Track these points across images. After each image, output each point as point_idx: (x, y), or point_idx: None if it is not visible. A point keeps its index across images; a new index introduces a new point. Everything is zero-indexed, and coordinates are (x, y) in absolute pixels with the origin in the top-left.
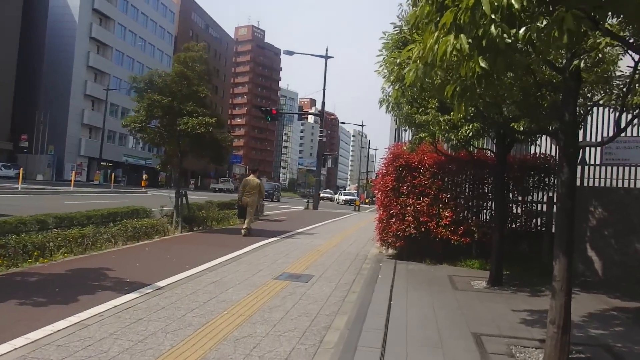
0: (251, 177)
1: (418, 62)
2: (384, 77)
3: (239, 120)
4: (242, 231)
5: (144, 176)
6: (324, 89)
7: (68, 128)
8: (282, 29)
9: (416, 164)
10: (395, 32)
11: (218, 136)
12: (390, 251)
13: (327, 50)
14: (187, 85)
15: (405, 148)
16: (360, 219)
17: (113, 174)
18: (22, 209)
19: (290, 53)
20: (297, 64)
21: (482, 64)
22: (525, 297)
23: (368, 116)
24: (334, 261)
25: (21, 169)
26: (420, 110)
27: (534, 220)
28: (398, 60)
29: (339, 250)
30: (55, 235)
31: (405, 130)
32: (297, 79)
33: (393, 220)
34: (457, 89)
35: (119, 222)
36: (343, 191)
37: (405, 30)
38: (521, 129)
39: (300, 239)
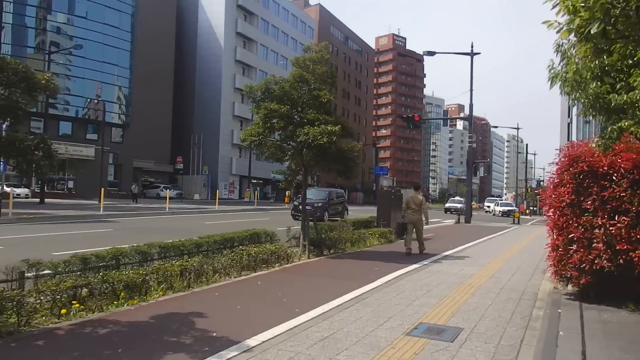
0: (414, 194)
1: None
2: (556, 30)
3: (383, 131)
4: (405, 250)
5: (287, 192)
6: (471, 90)
7: (220, 149)
8: (423, 35)
9: (605, 168)
10: None
11: (344, 146)
12: (570, 287)
13: (472, 47)
14: (307, 91)
15: (593, 145)
16: (521, 235)
17: (257, 191)
18: (162, 230)
19: (431, 54)
20: (441, 70)
21: None
22: None
23: (524, 120)
24: (491, 303)
25: (168, 190)
26: (618, 87)
27: None
28: None
29: (497, 284)
30: (155, 269)
31: (588, 121)
32: (442, 85)
33: (574, 247)
34: None
35: (235, 249)
36: (500, 201)
37: None
38: None
39: (447, 266)
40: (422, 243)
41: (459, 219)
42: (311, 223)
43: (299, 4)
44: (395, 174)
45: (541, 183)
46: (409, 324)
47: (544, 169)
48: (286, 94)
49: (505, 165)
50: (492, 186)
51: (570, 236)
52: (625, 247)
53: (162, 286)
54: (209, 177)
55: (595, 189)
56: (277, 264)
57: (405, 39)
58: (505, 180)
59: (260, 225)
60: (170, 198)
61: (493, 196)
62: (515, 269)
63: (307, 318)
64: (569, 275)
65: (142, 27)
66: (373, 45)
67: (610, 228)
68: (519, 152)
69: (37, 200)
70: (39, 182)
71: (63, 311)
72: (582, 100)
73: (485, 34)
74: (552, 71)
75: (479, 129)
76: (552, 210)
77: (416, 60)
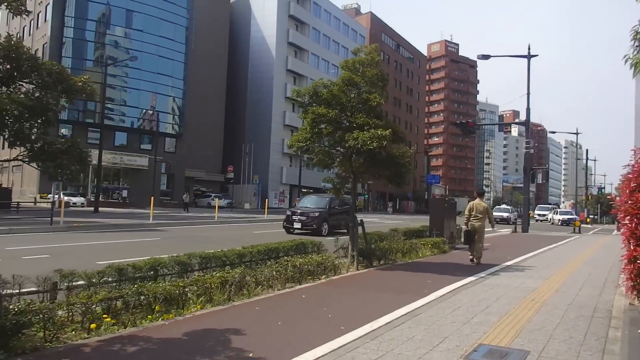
0: (477, 201)
1: None
2: None
3: (435, 139)
4: (470, 256)
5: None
6: (528, 93)
7: (270, 158)
8: (477, 40)
9: None
10: None
11: (395, 151)
12: None
13: (529, 49)
14: (356, 94)
15: None
16: (585, 245)
17: (299, 200)
18: (209, 239)
19: (486, 57)
20: (495, 75)
21: None
22: None
23: (582, 125)
24: (560, 321)
25: (217, 199)
26: None
27: None
28: None
29: (564, 300)
30: (194, 280)
31: None
32: (496, 91)
33: None
34: None
35: (279, 259)
36: (559, 209)
37: None
38: None
39: (507, 279)
40: (480, 251)
41: (515, 228)
42: (360, 232)
43: (350, 13)
44: (448, 182)
45: (602, 190)
46: (467, 346)
47: (604, 175)
48: (335, 98)
49: (563, 172)
50: (549, 194)
51: None
52: None
53: (200, 299)
54: (260, 186)
55: None
56: (323, 276)
57: (457, 45)
58: (562, 188)
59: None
60: (220, 207)
61: (545, 204)
62: (583, 282)
63: (354, 337)
64: None
65: (197, 38)
66: (425, 52)
67: None
68: (578, 159)
69: (92, 209)
70: (94, 191)
71: (92, 326)
72: None
73: (539, 38)
74: (632, 59)
75: (535, 135)
76: (628, 217)
77: (469, 66)
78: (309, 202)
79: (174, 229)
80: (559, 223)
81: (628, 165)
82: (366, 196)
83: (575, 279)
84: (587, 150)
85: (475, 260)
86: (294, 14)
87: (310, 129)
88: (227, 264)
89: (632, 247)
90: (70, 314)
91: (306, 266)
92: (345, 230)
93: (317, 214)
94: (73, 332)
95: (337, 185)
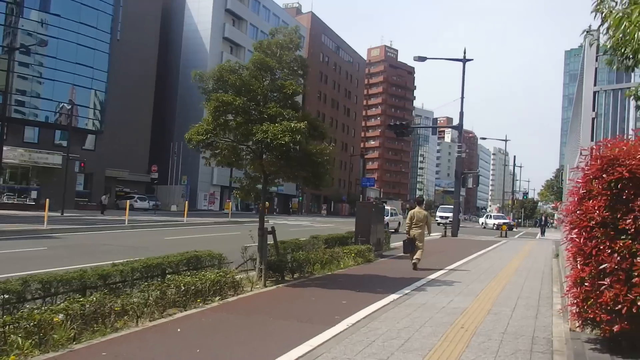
0: (417, 209)
1: None
2: None
3: (372, 142)
4: (413, 262)
5: (266, 204)
6: (462, 97)
7: (200, 158)
8: (418, 51)
9: None
10: None
11: (311, 147)
12: (595, 331)
13: (465, 53)
14: (271, 81)
15: None
16: (513, 251)
17: (229, 202)
18: (108, 248)
19: (422, 59)
20: (432, 84)
21: None
22: None
23: (510, 134)
24: (495, 358)
25: (127, 202)
26: None
27: None
28: None
29: (498, 325)
30: (16, 318)
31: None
32: (432, 99)
33: (606, 282)
34: None
35: (166, 277)
36: (492, 214)
37: None
38: None
39: (434, 295)
40: (419, 259)
41: (445, 232)
42: (271, 242)
43: (291, 12)
44: (383, 185)
45: (526, 196)
46: None
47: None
48: (245, 85)
49: (491, 177)
50: (478, 198)
51: (601, 267)
52: None
53: (28, 342)
54: (188, 188)
55: (638, 202)
56: (217, 297)
57: (397, 50)
58: (490, 193)
59: (229, 241)
60: (144, 209)
61: (447, 204)
62: (516, 299)
63: None
64: (596, 319)
65: (124, 29)
66: (365, 56)
67: None
68: (505, 165)
69: None
70: None
71: None
72: None
73: (480, 51)
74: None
75: (466, 141)
76: (576, 230)
77: (407, 72)
78: None
79: (72, 236)
80: (494, 227)
81: (577, 168)
82: (300, 198)
83: (508, 295)
84: (514, 156)
85: (415, 266)
86: (230, 9)
87: (212, 119)
88: (88, 287)
89: (579, 267)
90: None
91: (193, 287)
92: None
93: None
94: None
95: (245, 186)
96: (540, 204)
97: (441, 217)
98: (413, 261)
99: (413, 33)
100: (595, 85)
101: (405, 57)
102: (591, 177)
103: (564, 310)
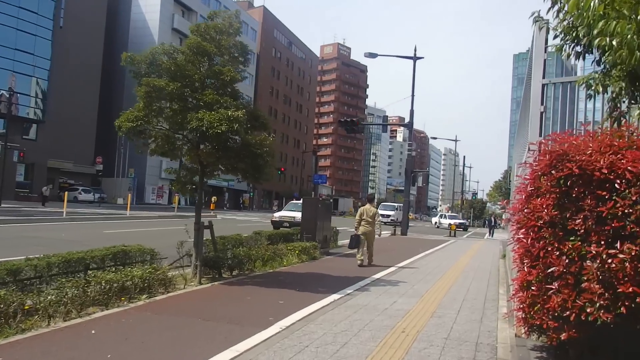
0: (367, 206)
1: None
2: None
3: (325, 139)
4: (358, 261)
5: (213, 198)
6: (413, 95)
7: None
8: (369, 46)
9: (605, 172)
10: None
11: (250, 138)
12: (542, 338)
13: (415, 50)
14: (208, 67)
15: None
16: (461, 251)
17: (177, 197)
18: (39, 242)
19: (373, 55)
20: (385, 82)
21: None
22: None
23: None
24: None
25: (66, 193)
26: None
27: None
28: None
29: (440, 330)
30: None
31: (592, 95)
32: (385, 99)
33: (554, 286)
34: None
35: (88, 273)
36: (447, 214)
37: None
38: None
39: (377, 296)
40: (372, 255)
41: (395, 230)
42: (208, 237)
43: (242, 5)
44: (335, 182)
45: (475, 196)
46: None
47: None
48: (180, 70)
49: (442, 177)
50: (429, 197)
51: (549, 270)
52: (630, 289)
53: None
54: (135, 180)
55: (588, 201)
56: (145, 295)
57: (350, 49)
58: (440, 193)
59: (170, 235)
60: (89, 202)
61: (390, 202)
62: (461, 301)
63: None
64: (543, 326)
65: (68, 17)
66: (318, 53)
67: (609, 260)
68: (455, 165)
69: None
70: None
71: None
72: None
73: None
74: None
75: (417, 140)
76: (523, 230)
77: (360, 70)
78: None
79: (1, 228)
80: (448, 227)
81: (524, 164)
82: (252, 194)
83: (453, 297)
84: (464, 157)
85: (366, 263)
86: None
87: (144, 105)
88: None
89: (526, 269)
90: None
91: (116, 284)
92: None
93: None
94: None
95: (182, 178)
96: (488, 204)
97: (382, 216)
98: (359, 261)
99: (366, 31)
100: (544, 77)
101: (358, 55)
102: (539, 173)
103: (509, 315)
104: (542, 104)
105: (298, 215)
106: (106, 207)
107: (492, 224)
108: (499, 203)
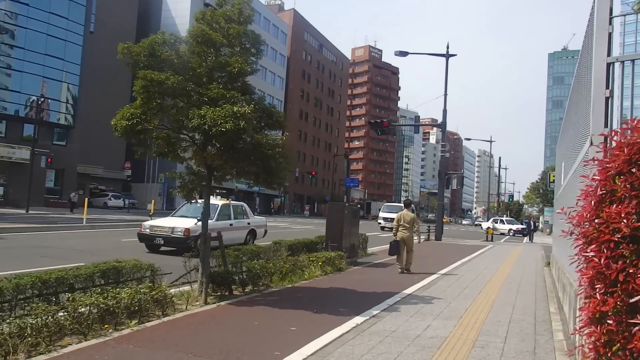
0: (405, 212)
1: None
2: None
3: (356, 142)
4: (398, 269)
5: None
6: (445, 94)
7: None
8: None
9: None
10: None
11: (260, 137)
12: None
13: (447, 47)
14: (215, 58)
15: None
16: (500, 258)
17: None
18: (51, 252)
19: (404, 54)
20: (417, 83)
21: None
22: None
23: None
24: None
25: (86, 200)
26: None
27: None
28: None
29: None
30: None
31: None
32: (417, 100)
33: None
34: None
35: (74, 294)
36: (505, 219)
37: None
38: None
39: (407, 319)
40: (410, 262)
41: (428, 235)
42: (215, 251)
43: (273, 8)
44: (367, 186)
45: (512, 198)
46: None
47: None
48: (182, 62)
49: (476, 179)
50: (463, 200)
51: (632, 300)
52: None
53: None
54: (165, 185)
55: None
56: (134, 321)
57: (381, 51)
58: (475, 195)
59: None
60: (119, 208)
61: (395, 202)
62: (507, 324)
63: None
64: None
65: (100, 21)
66: (349, 56)
67: None
68: (490, 167)
69: None
70: None
71: None
72: None
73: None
74: None
75: (451, 142)
76: (594, 246)
77: (391, 72)
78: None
79: (17, 236)
80: (511, 234)
81: (592, 160)
82: (283, 199)
83: (497, 317)
84: (499, 158)
85: (405, 270)
86: (209, 2)
87: (141, 102)
88: None
89: (598, 297)
90: None
91: (97, 309)
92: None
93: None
94: None
95: (188, 183)
96: (525, 206)
97: (385, 219)
98: (399, 269)
99: (398, 32)
100: (609, 55)
101: (389, 57)
102: (614, 172)
103: (574, 352)
104: (607, 87)
105: (186, 224)
106: (135, 213)
107: (532, 228)
108: (535, 206)
